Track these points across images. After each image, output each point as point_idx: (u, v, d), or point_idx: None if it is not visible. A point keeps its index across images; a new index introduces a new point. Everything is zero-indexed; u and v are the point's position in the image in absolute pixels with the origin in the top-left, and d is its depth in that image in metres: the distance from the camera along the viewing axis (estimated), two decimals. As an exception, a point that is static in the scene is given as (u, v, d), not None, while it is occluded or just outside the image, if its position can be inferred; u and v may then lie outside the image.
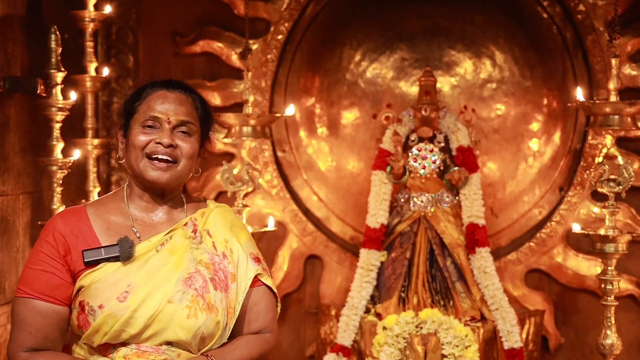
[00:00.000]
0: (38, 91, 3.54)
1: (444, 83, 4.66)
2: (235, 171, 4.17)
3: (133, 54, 4.67)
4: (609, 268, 3.89)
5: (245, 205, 4.18)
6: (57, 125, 3.73)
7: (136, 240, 2.32)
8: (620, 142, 4.51)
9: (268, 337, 2.44)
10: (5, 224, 3.56)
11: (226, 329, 2.35)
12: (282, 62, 4.71)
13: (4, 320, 3.54)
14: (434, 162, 4.34)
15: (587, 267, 4.55)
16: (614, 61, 3.93)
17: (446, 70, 4.67)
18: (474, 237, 4.28)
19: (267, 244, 4.64)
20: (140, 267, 2.28)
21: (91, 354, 2.30)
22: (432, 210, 4.30)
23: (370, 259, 4.31)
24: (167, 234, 2.35)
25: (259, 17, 4.62)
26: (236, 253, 2.41)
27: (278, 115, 4.41)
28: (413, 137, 4.37)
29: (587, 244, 4.10)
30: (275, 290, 2.46)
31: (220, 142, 4.66)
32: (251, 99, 4.26)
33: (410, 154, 4.34)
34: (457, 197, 4.36)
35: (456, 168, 4.32)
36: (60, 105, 3.71)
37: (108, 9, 4.29)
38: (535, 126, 4.66)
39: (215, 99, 4.66)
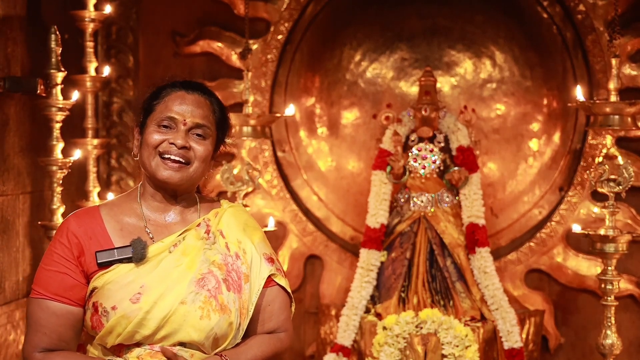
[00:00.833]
0: (38, 91, 3.55)
1: (444, 83, 4.66)
2: (235, 171, 4.17)
3: (133, 54, 4.67)
4: (609, 268, 3.89)
5: (245, 205, 4.18)
6: (57, 125, 3.74)
7: (149, 241, 2.32)
8: (620, 142, 4.51)
9: (282, 337, 2.44)
10: (5, 224, 3.56)
11: (239, 330, 2.34)
12: (282, 62, 4.71)
13: (3, 320, 3.54)
14: (434, 162, 4.34)
15: (587, 267, 4.55)
16: (614, 61, 3.93)
17: (446, 70, 4.67)
18: (474, 237, 4.28)
19: (267, 244, 4.64)
20: (153, 268, 2.28)
21: (105, 354, 2.30)
22: (432, 210, 4.30)
23: (370, 259, 4.31)
24: (180, 235, 2.35)
25: (259, 17, 4.62)
26: (249, 253, 2.40)
27: (278, 115, 4.41)
28: (413, 137, 4.37)
29: (587, 244, 4.10)
30: (289, 290, 2.45)
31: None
32: (251, 99, 4.26)
33: (410, 154, 4.34)
34: (457, 197, 4.36)
35: (456, 168, 4.32)
36: (60, 105, 3.71)
37: (108, 9, 4.29)
38: (535, 126, 4.66)
39: (215, 99, 4.66)
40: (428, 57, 4.66)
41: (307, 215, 4.74)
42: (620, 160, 4.39)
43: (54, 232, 2.96)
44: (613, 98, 3.93)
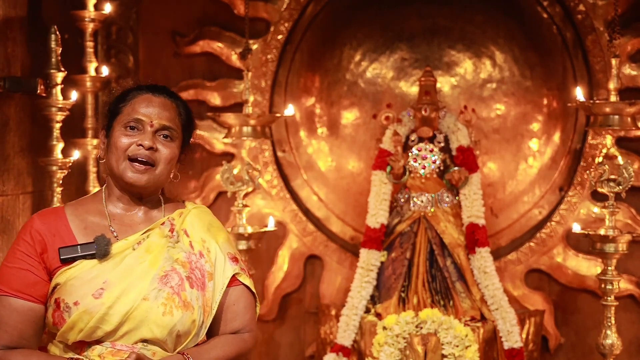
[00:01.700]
0: (38, 91, 3.54)
1: (444, 83, 4.66)
2: (235, 171, 4.17)
3: (133, 54, 4.67)
4: (609, 268, 3.89)
5: (245, 205, 4.18)
6: (57, 125, 3.74)
7: (113, 240, 2.34)
8: (620, 142, 4.51)
9: (246, 337, 2.44)
10: (5, 224, 3.56)
11: (202, 327, 2.36)
12: (282, 62, 4.71)
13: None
14: (434, 162, 4.34)
15: (587, 267, 4.55)
16: (614, 61, 3.94)
17: (446, 70, 4.67)
18: (474, 237, 4.28)
19: (267, 244, 4.64)
20: (117, 265, 2.30)
21: (66, 352, 2.31)
22: (432, 210, 4.30)
23: (370, 259, 4.31)
24: (144, 233, 2.37)
25: (259, 17, 4.62)
26: (213, 252, 2.42)
27: (278, 115, 4.41)
28: (413, 137, 4.37)
29: (587, 244, 4.10)
30: (254, 290, 2.46)
31: (220, 142, 4.67)
32: (251, 99, 4.26)
33: (410, 154, 4.34)
34: (457, 197, 4.36)
35: (456, 168, 4.32)
36: (60, 105, 3.71)
37: (108, 8, 4.29)
38: (535, 126, 4.66)
39: (215, 99, 4.66)
40: (428, 57, 4.66)
41: (307, 215, 4.74)
42: (620, 160, 4.39)
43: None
44: (613, 98, 3.93)
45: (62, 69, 3.71)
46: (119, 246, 2.32)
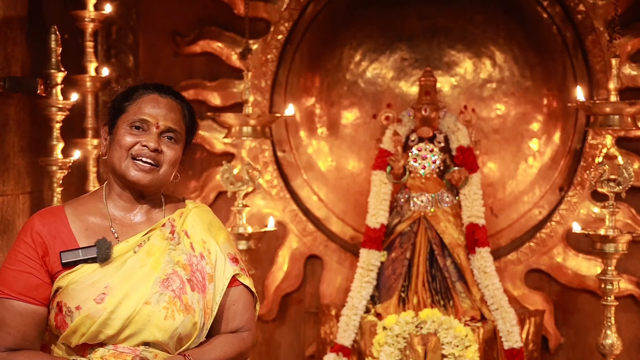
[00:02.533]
0: (38, 91, 3.54)
1: (444, 83, 4.66)
2: (235, 171, 4.17)
3: (133, 54, 4.67)
4: (609, 268, 3.89)
5: (245, 205, 4.18)
6: (57, 125, 3.74)
7: (114, 241, 2.33)
8: (620, 142, 4.51)
9: (246, 336, 2.45)
10: (5, 224, 3.56)
11: (203, 329, 2.36)
12: (282, 62, 4.71)
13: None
14: (434, 162, 4.34)
15: (587, 267, 4.55)
16: (614, 61, 3.94)
17: (446, 70, 4.67)
18: (474, 237, 4.28)
19: (267, 244, 4.64)
20: (118, 268, 2.29)
21: (69, 354, 2.31)
22: (432, 210, 4.30)
23: (370, 259, 4.31)
24: (145, 234, 2.36)
25: (259, 17, 4.62)
26: (214, 253, 2.41)
27: (278, 115, 4.41)
28: (413, 137, 4.37)
29: (587, 244, 4.10)
30: (253, 290, 2.47)
31: (220, 142, 4.67)
32: (251, 99, 4.26)
33: (410, 154, 4.34)
34: (457, 197, 4.36)
35: (456, 168, 4.32)
36: (60, 105, 3.71)
37: (108, 8, 4.29)
38: (535, 126, 4.66)
39: (215, 99, 4.66)
40: (428, 57, 4.66)
41: (307, 215, 4.74)
42: (620, 160, 4.39)
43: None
44: (613, 98, 3.93)
45: (62, 69, 3.70)
46: (120, 249, 2.31)
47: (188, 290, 2.32)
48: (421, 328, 4.01)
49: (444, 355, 3.96)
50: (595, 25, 4.47)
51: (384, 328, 4.03)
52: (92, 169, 4.23)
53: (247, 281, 2.45)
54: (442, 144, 4.36)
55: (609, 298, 3.90)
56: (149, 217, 2.42)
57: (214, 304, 2.37)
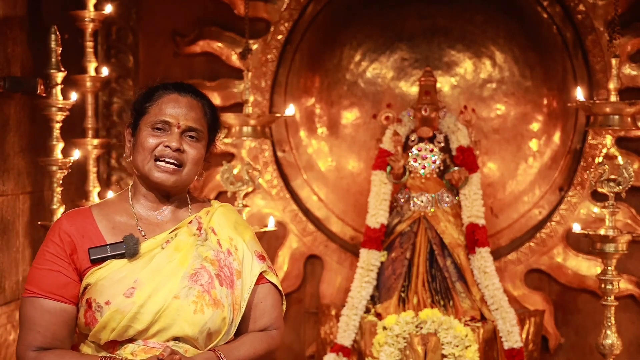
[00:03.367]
0: (38, 91, 3.55)
1: (444, 83, 4.66)
2: (235, 171, 4.17)
3: (133, 54, 4.67)
4: (609, 268, 3.89)
5: (245, 205, 4.18)
6: (57, 125, 3.74)
7: (141, 239, 2.34)
8: (620, 142, 4.51)
9: (274, 334, 2.46)
10: (5, 224, 3.56)
11: (232, 325, 2.36)
12: (282, 62, 4.71)
13: (3, 320, 3.55)
14: (434, 162, 4.34)
15: (587, 267, 4.55)
16: (614, 61, 3.93)
17: (446, 70, 4.67)
18: (474, 237, 4.28)
19: (267, 244, 4.64)
20: (146, 264, 2.30)
21: (98, 352, 2.31)
22: (432, 210, 4.30)
23: (370, 259, 4.31)
24: (172, 231, 2.36)
25: (259, 17, 4.62)
26: (241, 250, 2.42)
27: (278, 115, 4.41)
28: (413, 137, 4.37)
29: (587, 244, 4.10)
30: (280, 287, 2.47)
31: (220, 142, 4.67)
32: (251, 99, 4.26)
33: (410, 154, 4.34)
34: (457, 197, 4.36)
35: (456, 168, 4.32)
36: (60, 105, 3.71)
37: (108, 8, 4.29)
38: (535, 126, 4.66)
39: (215, 99, 4.65)
40: (428, 57, 4.66)
41: (307, 215, 4.74)
42: (620, 160, 4.39)
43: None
44: (613, 98, 3.93)
45: (62, 69, 3.71)
46: (147, 245, 2.32)
47: (217, 285, 2.33)
48: (421, 328, 4.01)
49: (444, 355, 3.96)
50: (595, 25, 4.47)
51: (384, 328, 4.03)
52: (92, 169, 4.23)
53: (274, 279, 2.46)
54: (442, 144, 4.36)
55: (609, 298, 3.90)
56: (175, 215, 2.42)
57: (242, 300, 2.38)
